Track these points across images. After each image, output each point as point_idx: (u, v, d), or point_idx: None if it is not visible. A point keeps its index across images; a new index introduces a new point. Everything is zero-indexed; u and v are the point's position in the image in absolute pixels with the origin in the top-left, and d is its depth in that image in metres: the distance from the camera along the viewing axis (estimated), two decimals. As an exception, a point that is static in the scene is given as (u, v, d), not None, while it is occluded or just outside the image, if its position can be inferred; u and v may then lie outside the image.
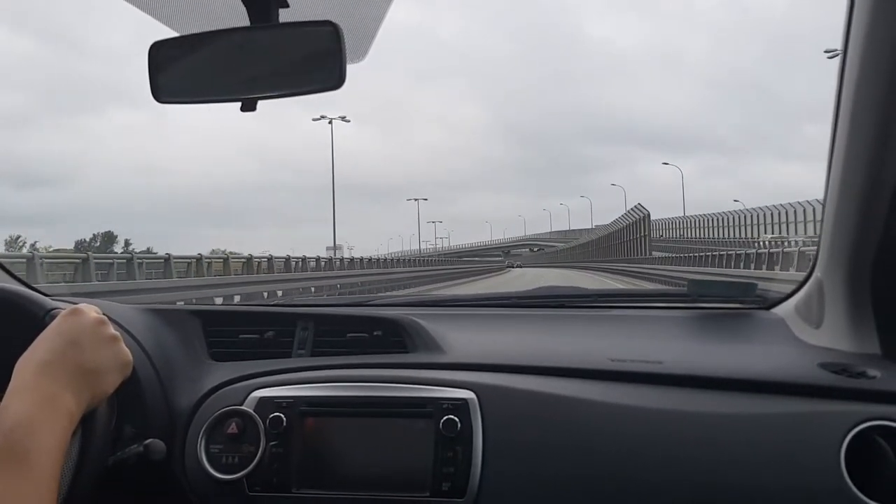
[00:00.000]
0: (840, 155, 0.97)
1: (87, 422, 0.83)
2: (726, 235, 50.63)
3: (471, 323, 1.36)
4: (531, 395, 1.01)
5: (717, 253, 22.35)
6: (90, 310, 0.87)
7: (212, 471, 1.01)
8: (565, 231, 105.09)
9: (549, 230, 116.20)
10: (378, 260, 31.93)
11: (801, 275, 1.24)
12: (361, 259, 28.13)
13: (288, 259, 19.10)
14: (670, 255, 33.55)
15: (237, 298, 12.82)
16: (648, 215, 40.95)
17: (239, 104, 0.98)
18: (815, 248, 1.16)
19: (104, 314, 0.89)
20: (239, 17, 0.96)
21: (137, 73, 1.03)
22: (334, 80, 0.94)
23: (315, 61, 0.96)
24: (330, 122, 37.18)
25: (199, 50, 0.99)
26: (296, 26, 0.96)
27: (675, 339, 1.25)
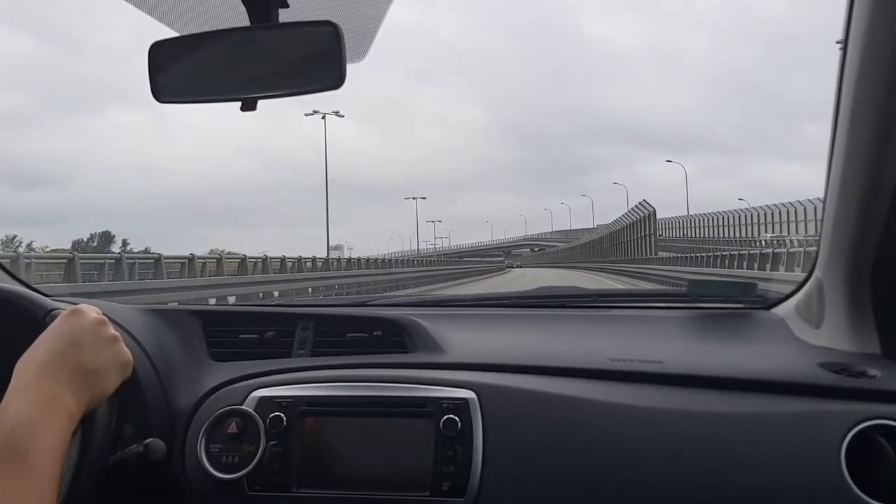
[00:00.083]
0: (840, 155, 0.97)
1: (87, 422, 0.83)
2: (729, 235, 49.52)
3: (471, 323, 1.36)
4: (531, 395, 1.01)
5: (724, 253, 21.80)
6: (90, 310, 0.87)
7: (212, 470, 1.01)
8: (566, 231, 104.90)
9: (550, 230, 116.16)
10: (375, 260, 31.41)
11: (803, 275, 1.25)
12: (359, 259, 27.95)
13: (283, 259, 18.96)
14: (677, 254, 32.34)
15: (231, 300, 12.74)
16: (654, 212, 38.57)
17: (239, 104, 0.98)
18: (816, 247, 1.16)
19: (104, 314, 0.89)
20: (239, 17, 0.96)
21: (137, 73, 1.03)
22: (334, 79, 0.94)
23: (315, 61, 0.96)
24: (323, 118, 36.88)
25: (199, 50, 0.99)
26: (296, 26, 0.97)
27: (676, 339, 1.25)
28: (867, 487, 0.86)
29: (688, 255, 29.26)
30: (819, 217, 1.18)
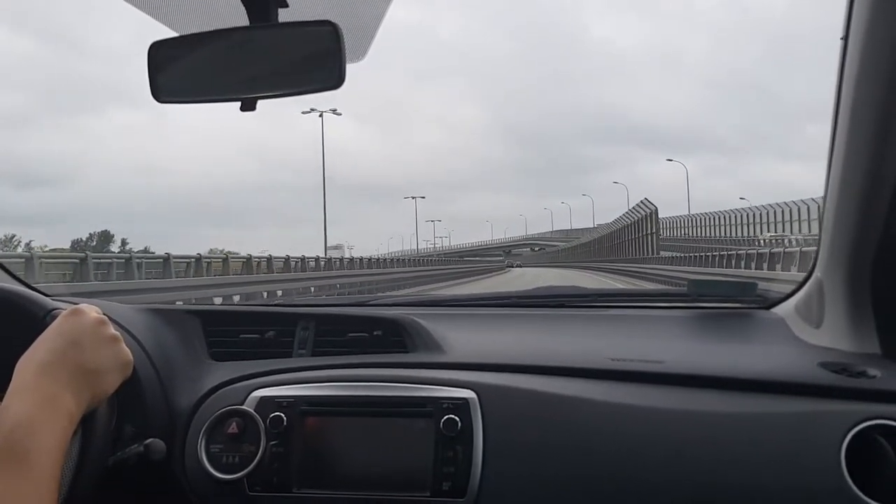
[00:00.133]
0: (840, 154, 0.97)
1: (87, 422, 0.83)
2: (730, 234, 48.94)
3: (471, 323, 1.36)
4: (531, 395, 1.01)
5: (728, 252, 21.12)
6: (91, 310, 0.87)
7: (212, 470, 1.01)
8: (567, 230, 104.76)
9: (550, 229, 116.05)
10: (372, 260, 30.88)
11: (802, 275, 1.25)
12: (361, 259, 27.75)
13: (287, 259, 18.90)
14: (679, 254, 31.28)
15: (236, 298, 12.72)
16: (656, 211, 37.21)
17: (238, 104, 0.98)
18: (815, 247, 1.16)
19: (104, 314, 0.89)
20: (238, 17, 0.96)
21: (137, 73, 1.03)
22: (334, 79, 0.94)
23: (315, 61, 0.96)
24: (320, 115, 36.85)
25: (199, 50, 0.99)
26: (295, 26, 0.96)
27: (676, 339, 1.25)
28: (867, 488, 0.86)
29: (690, 254, 28.55)
30: (819, 216, 1.18)
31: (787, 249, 15.80)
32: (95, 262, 12.69)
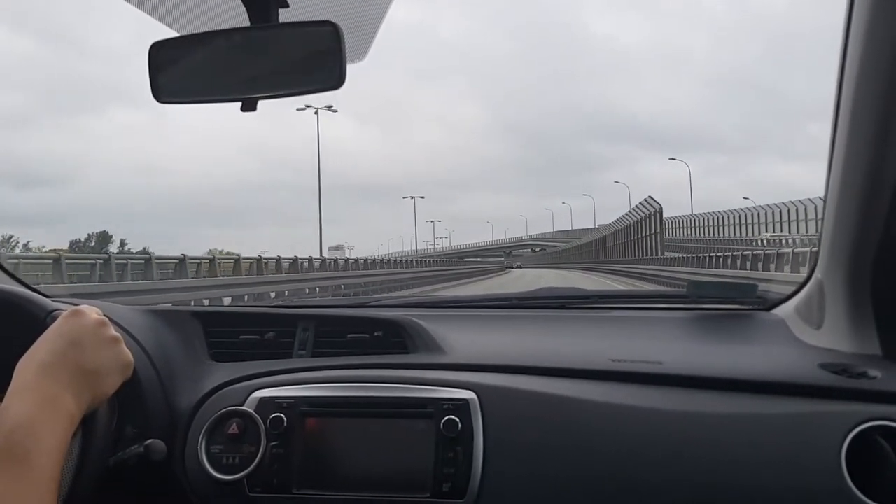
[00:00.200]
0: (840, 154, 0.97)
1: (87, 422, 0.83)
2: (734, 234, 47.83)
3: (471, 324, 1.36)
4: (532, 396, 1.00)
5: (735, 253, 20.38)
6: (91, 311, 0.87)
7: (212, 471, 1.01)
8: (568, 231, 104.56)
9: (551, 230, 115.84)
10: (369, 261, 29.96)
11: (804, 275, 1.24)
12: (357, 260, 27.34)
13: (279, 260, 18.53)
14: (684, 255, 29.50)
15: (227, 301, 12.55)
16: (660, 210, 35.30)
17: (239, 104, 0.98)
18: (816, 247, 1.16)
19: (105, 315, 0.89)
20: (239, 17, 0.96)
21: (137, 73, 1.03)
22: (334, 79, 0.94)
23: (315, 61, 0.96)
24: (316, 112, 36.66)
25: (200, 50, 0.99)
26: (296, 26, 0.96)
27: (676, 340, 1.25)
28: (867, 489, 0.86)
29: (695, 255, 27.15)
30: (819, 217, 1.18)
31: (795, 250, 15.52)
32: (70, 262, 12.55)
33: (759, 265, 15.99)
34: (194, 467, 1.02)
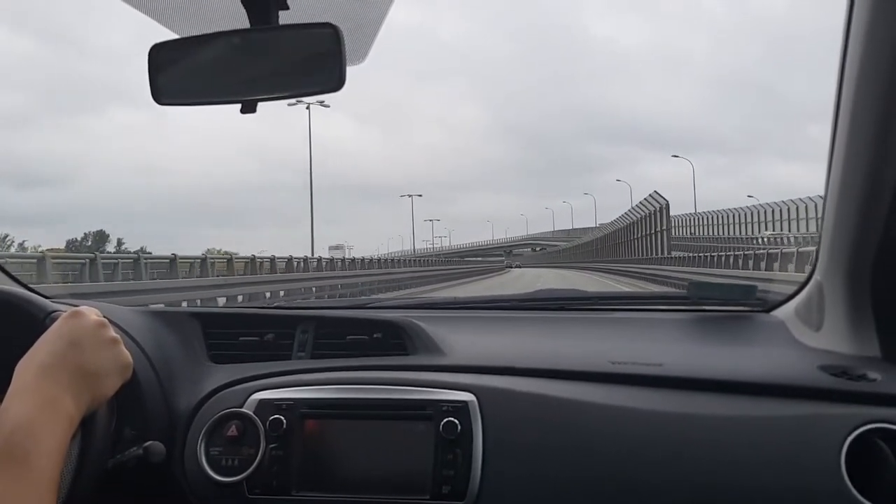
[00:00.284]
0: (840, 155, 0.97)
1: (87, 424, 0.83)
2: (737, 233, 46.69)
3: (471, 325, 1.36)
4: (531, 398, 1.00)
5: (746, 252, 19.10)
6: (91, 312, 0.87)
7: (211, 473, 1.01)
8: (568, 230, 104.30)
9: (552, 229, 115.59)
10: (365, 260, 29.10)
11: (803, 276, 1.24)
12: (354, 259, 27.02)
13: (273, 259, 18.19)
14: (692, 254, 27.08)
15: (221, 301, 12.29)
16: (667, 205, 32.11)
17: (238, 106, 0.98)
18: (816, 248, 1.16)
19: (104, 316, 0.89)
20: (239, 19, 0.96)
21: (137, 73, 1.03)
22: (334, 81, 0.94)
23: (315, 63, 0.96)
24: (307, 108, 36.06)
25: (199, 52, 0.98)
26: (296, 28, 0.96)
27: (676, 342, 1.25)
28: (866, 491, 0.86)
29: (704, 254, 24.88)
30: (819, 218, 1.18)
31: (802, 249, 15.06)
32: (58, 262, 12.40)
33: (776, 265, 15.18)
34: (193, 469, 1.02)
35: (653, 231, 33.72)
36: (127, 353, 0.89)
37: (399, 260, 40.25)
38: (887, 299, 1.02)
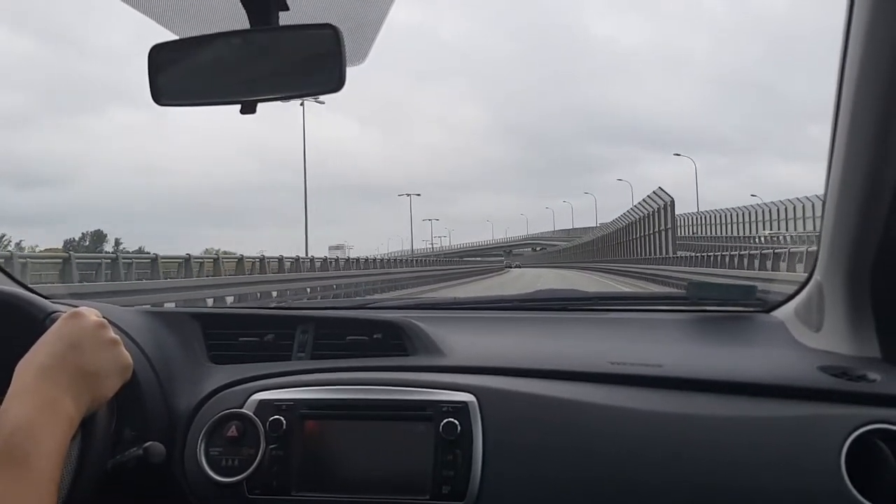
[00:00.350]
0: (840, 155, 0.97)
1: (86, 425, 0.83)
2: (740, 232, 46.17)
3: (471, 326, 1.36)
4: (531, 398, 1.00)
5: (750, 252, 18.15)
6: (90, 313, 0.87)
7: (211, 474, 1.01)
8: (569, 230, 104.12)
9: (552, 229, 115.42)
10: (360, 260, 28.23)
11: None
12: (348, 260, 26.50)
13: (262, 259, 17.75)
14: (699, 254, 25.71)
15: (210, 302, 12.14)
16: (672, 202, 30.69)
17: (238, 106, 0.98)
18: (816, 248, 1.16)
19: (104, 317, 0.89)
20: (239, 20, 0.96)
21: (137, 74, 1.03)
22: (334, 82, 0.94)
23: (315, 64, 0.96)
24: (301, 104, 35.98)
25: (199, 52, 0.99)
26: (296, 29, 0.96)
27: (676, 343, 1.25)
28: (866, 491, 0.86)
29: (710, 254, 23.67)
30: (819, 217, 1.17)
31: (809, 249, 14.63)
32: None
33: (782, 264, 14.68)
34: (193, 469, 1.02)
35: (656, 230, 32.57)
36: (127, 354, 0.89)
37: (397, 260, 39.81)
38: (887, 300, 1.02)
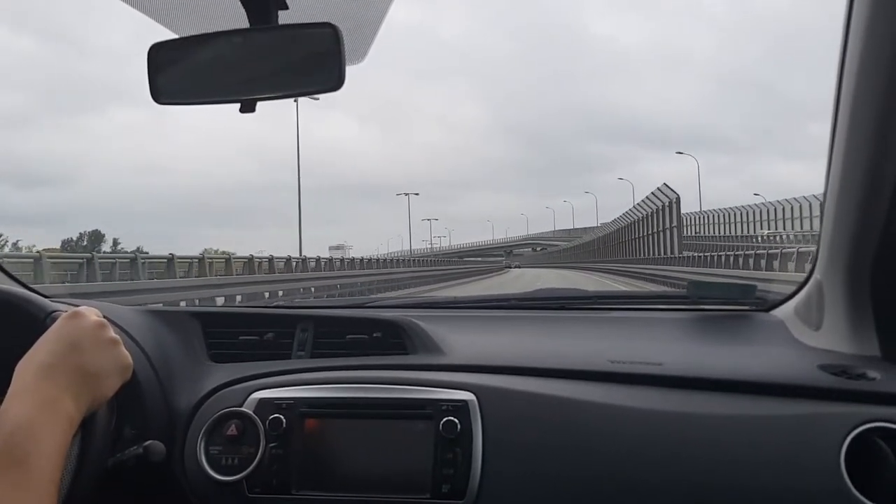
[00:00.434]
0: (840, 153, 0.97)
1: (86, 423, 0.83)
2: (743, 231, 45.43)
3: (470, 324, 1.36)
4: (531, 397, 1.01)
5: (756, 252, 17.75)
6: (91, 312, 0.87)
7: (211, 472, 1.01)
8: (569, 230, 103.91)
9: (552, 228, 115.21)
10: (355, 260, 27.60)
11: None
12: (343, 260, 26.17)
13: (251, 259, 17.31)
14: (706, 254, 24.52)
15: (196, 303, 12.15)
16: (678, 199, 29.18)
17: (238, 105, 0.98)
18: (815, 248, 1.16)
19: (104, 316, 0.89)
20: (238, 19, 0.96)
21: (137, 73, 1.03)
22: (333, 81, 0.94)
23: (314, 63, 0.96)
24: (295, 101, 35.82)
25: (199, 51, 0.99)
26: (295, 28, 0.96)
27: (675, 341, 1.25)
28: (866, 490, 0.86)
29: (718, 253, 22.52)
30: (819, 216, 1.17)
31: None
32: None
33: (791, 264, 14.20)
34: (193, 468, 1.02)
35: (661, 228, 31.18)
36: (127, 353, 0.89)
37: (394, 260, 39.27)
38: (887, 298, 1.02)
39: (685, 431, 0.94)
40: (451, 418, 0.98)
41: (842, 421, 0.90)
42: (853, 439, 0.88)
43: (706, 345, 1.23)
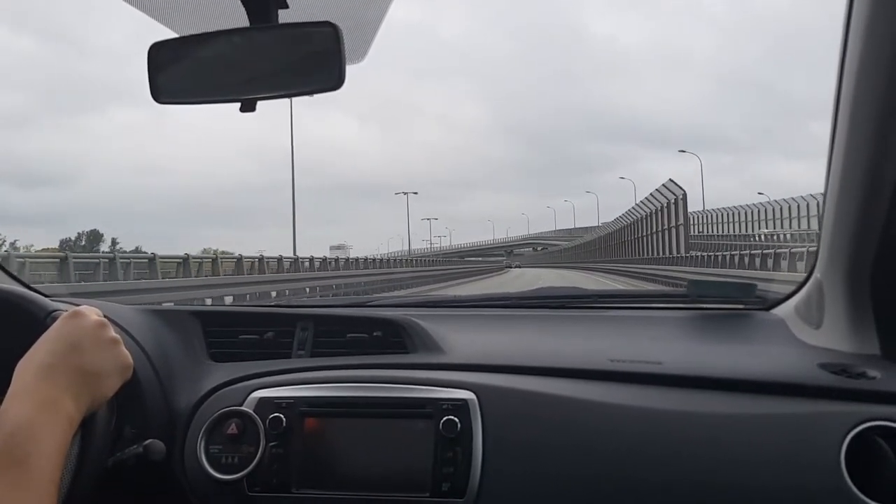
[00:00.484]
0: (840, 152, 0.97)
1: (86, 423, 0.83)
2: (745, 230, 45.34)
3: (471, 323, 1.36)
4: (531, 396, 1.01)
5: (763, 251, 17.23)
6: (91, 312, 0.87)
7: (211, 471, 1.01)
8: (570, 229, 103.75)
9: (553, 228, 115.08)
10: (350, 261, 27.27)
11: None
12: (336, 260, 25.70)
13: (240, 259, 17.05)
14: (711, 254, 23.71)
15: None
16: (684, 196, 28.10)
17: (238, 105, 0.98)
18: (816, 247, 1.16)
19: (105, 316, 0.89)
20: (238, 18, 0.96)
21: (138, 73, 1.03)
22: (333, 80, 0.94)
23: (314, 62, 0.96)
24: (290, 99, 35.29)
25: (199, 51, 0.99)
26: (295, 27, 0.96)
27: (675, 340, 1.25)
28: (866, 488, 0.86)
29: (726, 253, 21.73)
30: (819, 216, 1.17)
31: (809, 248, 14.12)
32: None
33: (800, 264, 13.85)
34: (193, 467, 1.02)
35: (667, 227, 29.96)
36: (127, 353, 0.89)
37: (393, 260, 39.01)
38: (887, 297, 1.02)
39: (685, 430, 0.94)
40: (452, 417, 0.98)
41: (842, 419, 0.90)
42: (853, 438, 0.88)
43: (706, 344, 1.23)
